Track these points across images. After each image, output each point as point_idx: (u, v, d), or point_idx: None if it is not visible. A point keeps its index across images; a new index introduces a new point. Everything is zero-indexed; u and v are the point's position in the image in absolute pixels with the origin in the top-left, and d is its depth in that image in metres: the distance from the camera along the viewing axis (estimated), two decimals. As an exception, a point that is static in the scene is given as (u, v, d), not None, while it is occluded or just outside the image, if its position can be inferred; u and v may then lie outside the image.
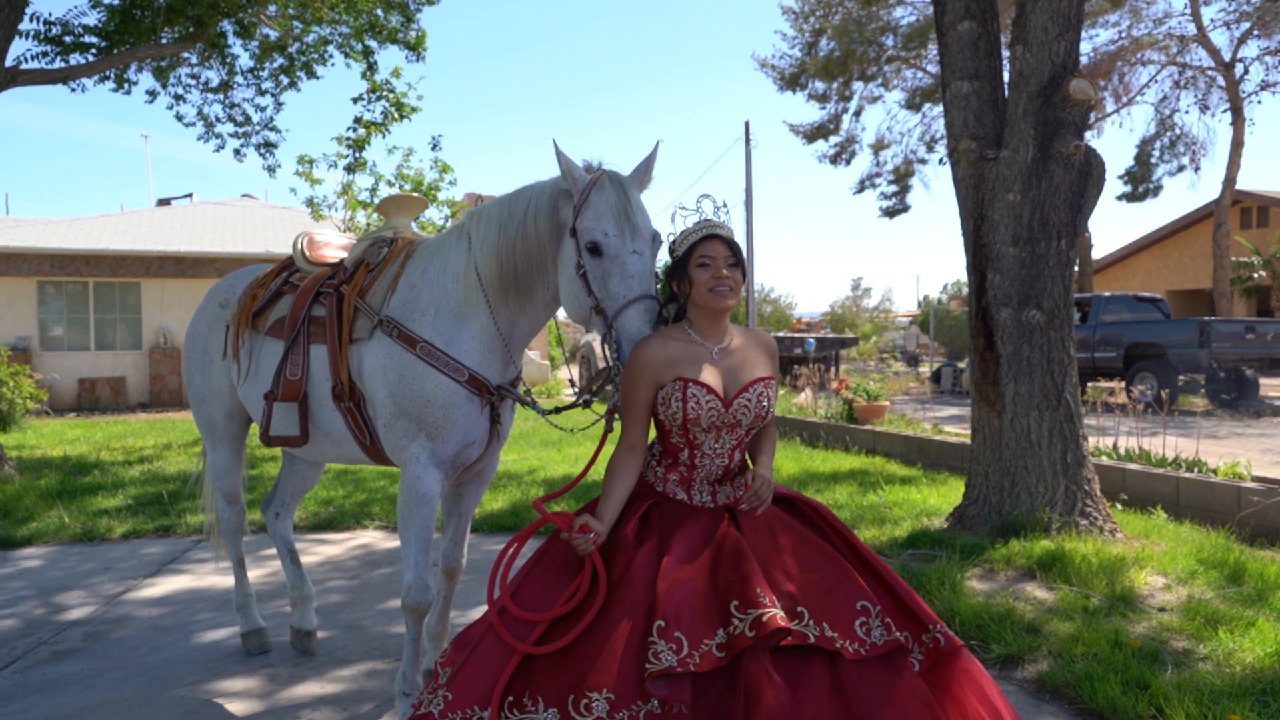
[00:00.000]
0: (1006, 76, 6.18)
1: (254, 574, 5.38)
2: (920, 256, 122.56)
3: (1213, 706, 3.26)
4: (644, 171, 3.00)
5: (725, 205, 2.77)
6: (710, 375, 2.59)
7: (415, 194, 4.51)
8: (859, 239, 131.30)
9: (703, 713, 2.17)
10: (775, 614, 2.19)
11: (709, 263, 2.59)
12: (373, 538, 6.76)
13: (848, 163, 28.30)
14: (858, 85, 26.50)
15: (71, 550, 6.47)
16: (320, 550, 6.35)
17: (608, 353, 2.78)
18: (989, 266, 5.88)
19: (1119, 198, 25.60)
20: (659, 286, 2.83)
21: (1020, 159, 5.76)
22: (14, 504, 7.61)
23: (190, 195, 29.79)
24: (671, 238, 2.75)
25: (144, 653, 4.37)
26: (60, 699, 3.81)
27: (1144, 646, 3.86)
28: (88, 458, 10.73)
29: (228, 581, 5.03)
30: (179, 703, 3.77)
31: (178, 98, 12.83)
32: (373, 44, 12.61)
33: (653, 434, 2.73)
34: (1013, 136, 5.83)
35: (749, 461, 2.76)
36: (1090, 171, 5.73)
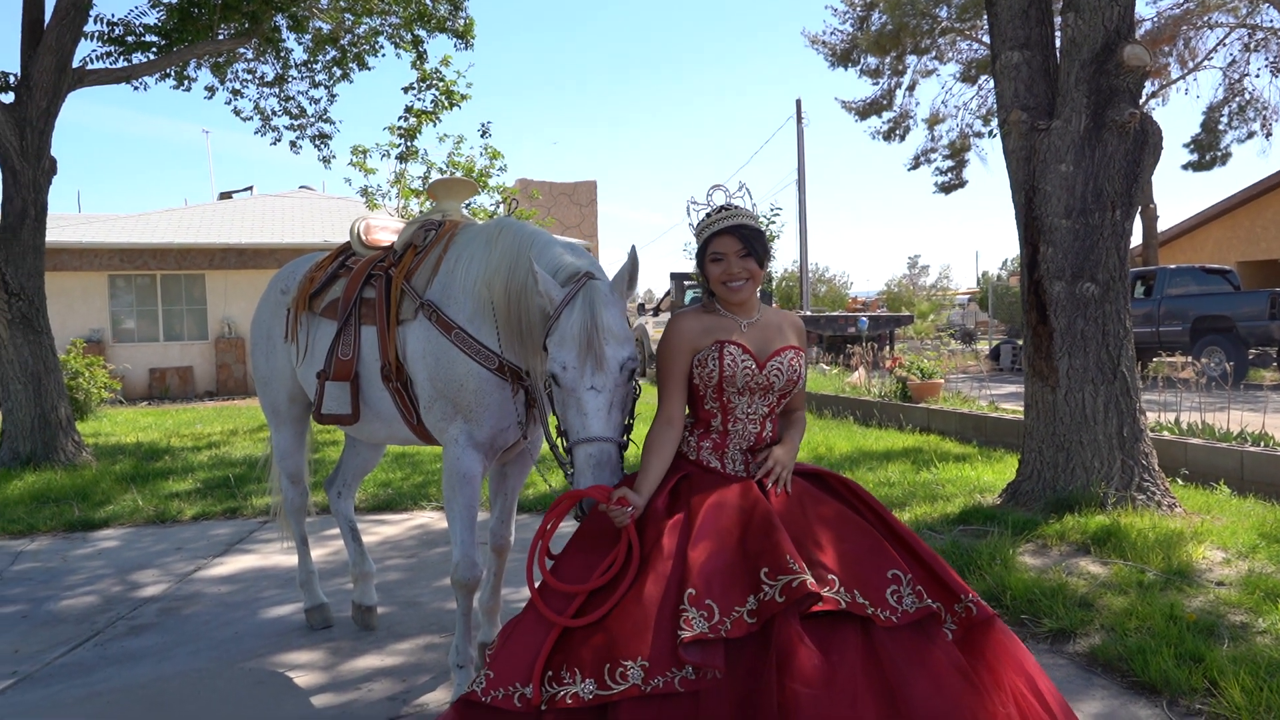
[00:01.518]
0: (1059, 45, 6.06)
1: (316, 553, 5.54)
2: (980, 233, 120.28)
3: (1269, 679, 3.21)
4: (622, 282, 2.87)
5: (743, 187, 2.81)
6: (742, 339, 2.72)
7: (464, 178, 4.59)
8: (916, 217, 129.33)
9: (737, 678, 2.20)
10: (805, 579, 2.22)
11: (720, 258, 2.71)
12: (429, 518, 6.92)
13: (902, 139, 27.76)
14: (911, 59, 25.97)
15: (145, 531, 6.74)
16: (379, 530, 6.52)
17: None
18: (1041, 239, 5.79)
19: (1185, 167, 24.81)
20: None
21: (1073, 129, 5.66)
22: (92, 488, 7.94)
23: (250, 188, 30.45)
24: (691, 228, 2.84)
25: (214, 627, 4.56)
26: (138, 670, 4.00)
27: (1200, 620, 3.80)
28: (159, 444, 11.11)
29: (292, 560, 5.20)
30: (247, 674, 3.93)
31: (235, 93, 13.14)
32: (422, 33, 12.78)
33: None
34: (1065, 106, 5.72)
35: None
36: (1146, 140, 5.60)
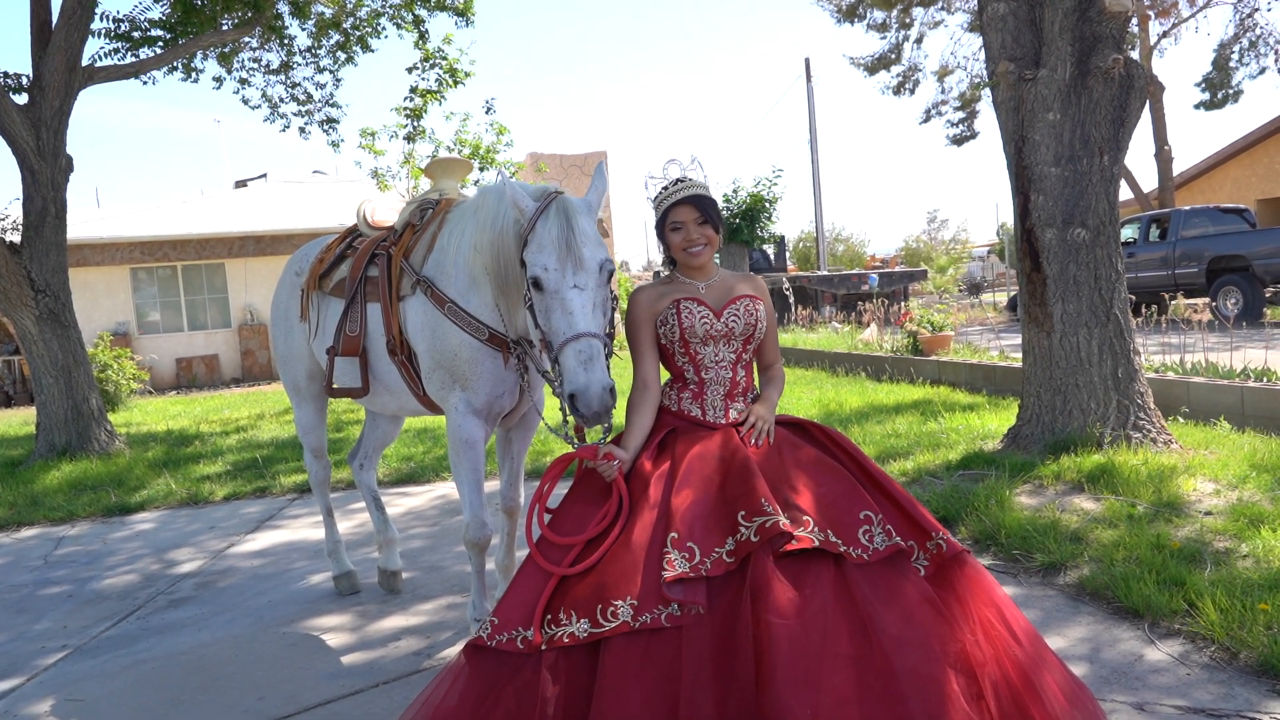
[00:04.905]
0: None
1: (343, 526, 5.80)
2: (999, 184, 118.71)
3: (1244, 598, 3.36)
4: (596, 194, 3.00)
5: (695, 160, 2.98)
6: (698, 295, 2.93)
7: (459, 157, 4.76)
8: (934, 171, 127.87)
9: (718, 613, 2.37)
10: (779, 520, 2.39)
11: (680, 227, 2.90)
12: (450, 489, 7.15)
13: (912, 93, 27.54)
14: (918, 11, 25.73)
15: (179, 513, 7.03)
16: (402, 502, 6.76)
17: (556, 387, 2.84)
18: (1031, 188, 5.88)
19: (1197, 106, 24.51)
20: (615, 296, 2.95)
21: (1058, 77, 5.72)
22: (126, 474, 8.24)
23: (265, 175, 30.71)
24: (650, 202, 3.00)
25: (248, 597, 4.81)
26: (178, 638, 4.26)
27: (1184, 548, 3.95)
28: (189, 430, 11.44)
29: (320, 534, 5.44)
30: (281, 638, 4.17)
31: (242, 81, 13.25)
32: (422, 12, 12.85)
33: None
34: (1050, 55, 5.78)
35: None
36: (1131, 85, 5.66)
